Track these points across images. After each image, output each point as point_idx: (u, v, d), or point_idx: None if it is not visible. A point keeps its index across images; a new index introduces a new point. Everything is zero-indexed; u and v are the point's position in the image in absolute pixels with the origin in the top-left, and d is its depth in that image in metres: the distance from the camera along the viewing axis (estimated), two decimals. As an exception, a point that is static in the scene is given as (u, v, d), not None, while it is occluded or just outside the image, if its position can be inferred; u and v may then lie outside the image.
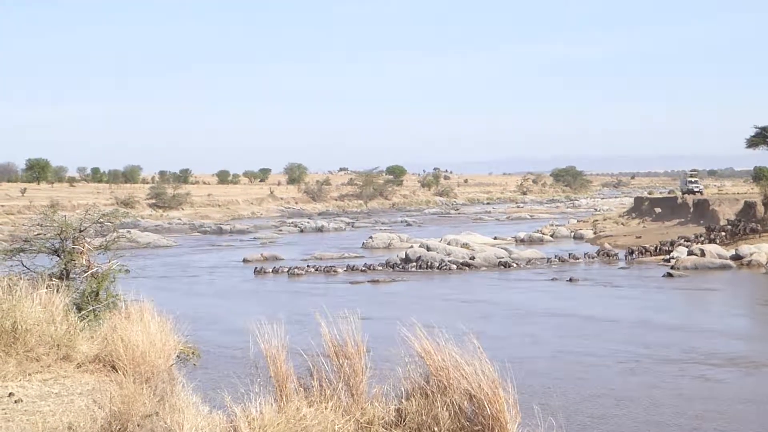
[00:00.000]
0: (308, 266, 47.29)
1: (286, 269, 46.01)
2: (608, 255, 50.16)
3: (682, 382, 20.88)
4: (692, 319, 30.99)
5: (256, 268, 46.98)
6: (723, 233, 51.33)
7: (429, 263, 46.59)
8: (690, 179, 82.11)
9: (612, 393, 19.68)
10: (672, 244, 50.56)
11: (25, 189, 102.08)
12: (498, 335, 25.70)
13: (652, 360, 23.42)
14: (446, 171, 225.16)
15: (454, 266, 46.33)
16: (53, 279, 15.60)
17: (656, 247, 50.51)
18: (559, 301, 35.04)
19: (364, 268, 45.98)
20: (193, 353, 14.97)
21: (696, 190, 77.24)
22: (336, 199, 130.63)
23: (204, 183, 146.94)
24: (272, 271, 45.93)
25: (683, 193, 75.91)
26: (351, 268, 46.07)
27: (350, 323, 9.33)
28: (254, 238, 72.67)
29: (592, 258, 49.43)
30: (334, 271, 45.62)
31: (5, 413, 9.56)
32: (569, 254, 50.11)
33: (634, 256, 49.56)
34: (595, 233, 66.63)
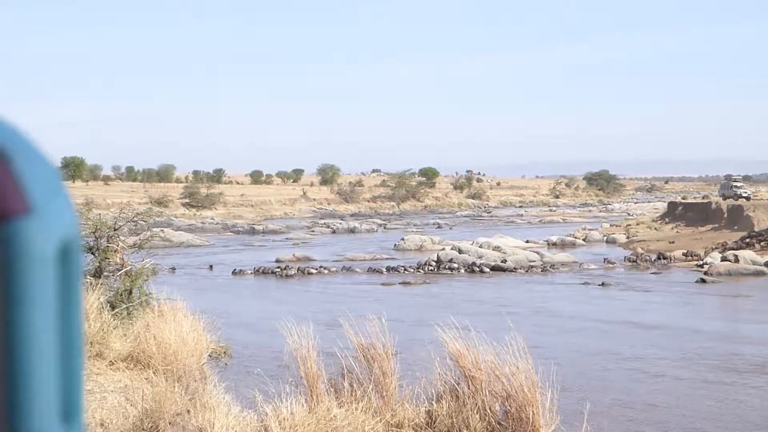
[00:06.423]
0: (344, 267, 47.42)
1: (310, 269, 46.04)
2: (640, 260, 49.85)
3: (723, 389, 20.63)
4: (737, 326, 30.65)
5: (267, 268, 46.99)
6: None
7: (460, 266, 46.52)
8: (736, 184, 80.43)
9: (661, 403, 19.46)
10: (713, 249, 50.18)
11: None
12: (532, 338, 25.50)
13: (701, 366, 23.18)
14: (479, 173, 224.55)
15: (486, 269, 46.20)
16: (87, 277, 15.74)
17: (686, 253, 50.32)
18: (593, 305, 34.77)
19: (395, 269, 45.97)
20: (224, 353, 15.04)
21: (744, 195, 75.51)
22: (368, 201, 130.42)
23: (237, 183, 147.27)
24: (301, 271, 45.95)
25: (725, 198, 74.55)
26: (387, 270, 46.07)
27: (379, 325, 9.30)
28: (286, 238, 72.73)
29: (628, 262, 49.21)
30: (374, 271, 45.77)
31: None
32: (604, 259, 49.92)
33: (665, 261, 49.26)
34: (627, 238, 66.12)
